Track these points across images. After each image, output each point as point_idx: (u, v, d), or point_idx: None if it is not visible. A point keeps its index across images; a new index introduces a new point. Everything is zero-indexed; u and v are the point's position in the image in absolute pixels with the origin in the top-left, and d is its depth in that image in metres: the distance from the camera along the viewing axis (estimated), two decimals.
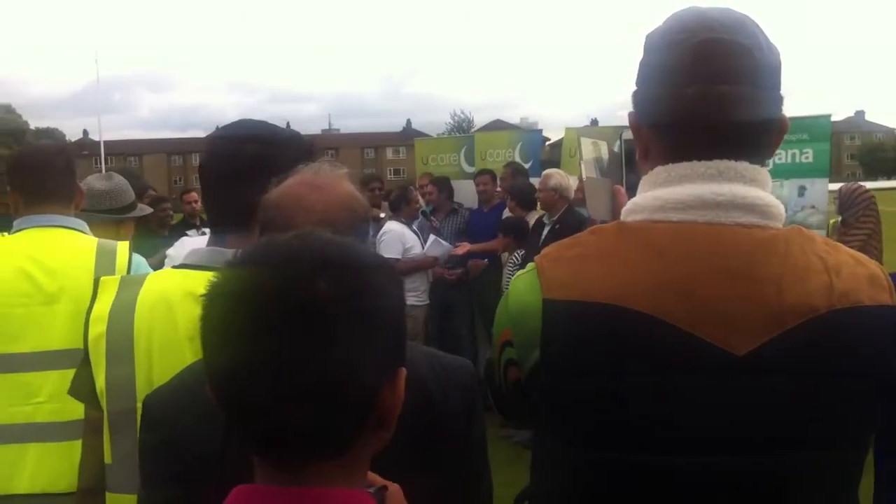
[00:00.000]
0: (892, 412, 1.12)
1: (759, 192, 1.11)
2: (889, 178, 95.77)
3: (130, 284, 1.64)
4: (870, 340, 1.07)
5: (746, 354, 1.04)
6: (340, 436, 0.84)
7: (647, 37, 1.19)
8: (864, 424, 1.12)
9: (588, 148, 1.54)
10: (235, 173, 1.57)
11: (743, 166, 1.11)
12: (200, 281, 1.55)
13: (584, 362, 1.07)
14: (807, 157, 4.95)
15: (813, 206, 4.66)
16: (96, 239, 2.36)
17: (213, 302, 0.85)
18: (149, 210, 3.60)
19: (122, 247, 2.30)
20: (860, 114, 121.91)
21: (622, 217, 1.19)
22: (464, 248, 6.56)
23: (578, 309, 1.07)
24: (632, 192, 1.35)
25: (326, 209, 1.27)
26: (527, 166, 7.28)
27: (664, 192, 1.12)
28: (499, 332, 1.23)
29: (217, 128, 1.90)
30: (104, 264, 2.23)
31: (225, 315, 0.83)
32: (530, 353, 1.12)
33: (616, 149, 1.49)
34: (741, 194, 1.09)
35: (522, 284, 1.17)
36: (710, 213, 1.09)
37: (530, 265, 1.18)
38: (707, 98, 1.09)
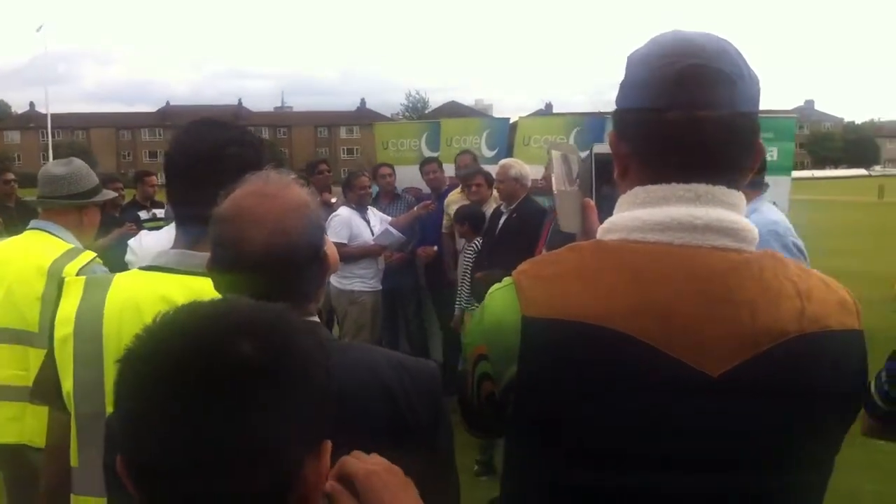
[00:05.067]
0: None
1: (735, 216, 1.13)
2: (836, 167, 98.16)
3: (97, 286, 1.61)
4: (837, 363, 1.10)
5: (721, 376, 1.05)
6: None
7: (629, 57, 1.19)
8: (831, 445, 1.14)
9: (558, 160, 1.53)
10: (216, 175, 1.46)
11: (720, 190, 1.12)
12: (170, 284, 1.58)
13: (562, 380, 1.07)
14: (772, 156, 4.98)
15: (774, 203, 4.77)
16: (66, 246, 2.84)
17: (129, 365, 0.80)
18: (112, 194, 3.54)
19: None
20: (810, 103, 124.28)
21: (599, 235, 1.19)
22: (425, 251, 6.65)
23: (558, 327, 1.07)
24: (601, 204, 1.36)
25: (279, 219, 1.26)
26: (493, 153, 7.21)
27: (643, 212, 1.13)
28: (472, 346, 1.21)
29: (181, 124, 1.85)
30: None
31: (141, 376, 0.78)
32: (507, 369, 1.11)
33: (586, 161, 1.48)
34: (717, 218, 1.11)
35: (499, 300, 1.16)
36: (687, 235, 1.10)
37: (507, 280, 1.17)
38: (687, 123, 1.10)
